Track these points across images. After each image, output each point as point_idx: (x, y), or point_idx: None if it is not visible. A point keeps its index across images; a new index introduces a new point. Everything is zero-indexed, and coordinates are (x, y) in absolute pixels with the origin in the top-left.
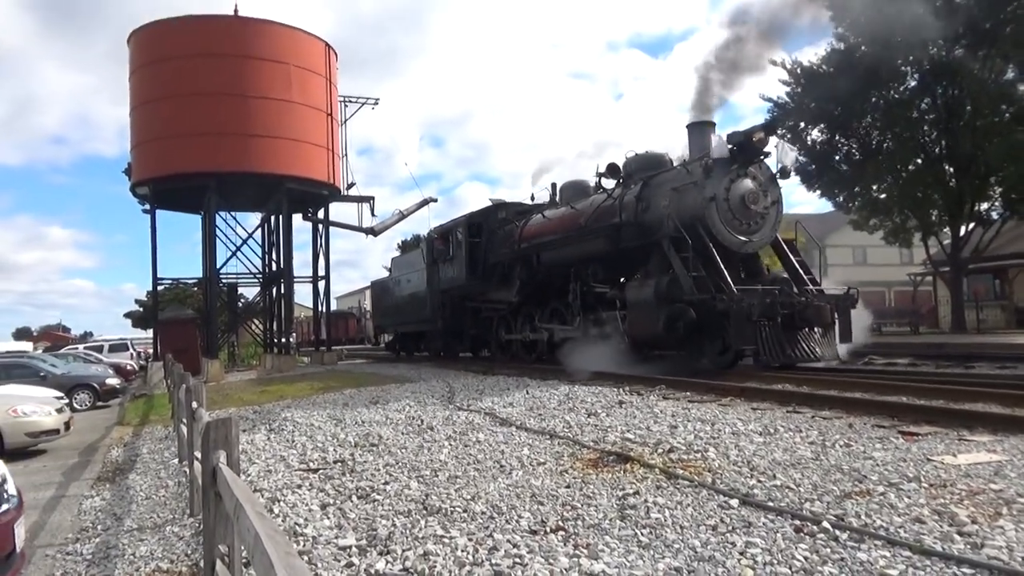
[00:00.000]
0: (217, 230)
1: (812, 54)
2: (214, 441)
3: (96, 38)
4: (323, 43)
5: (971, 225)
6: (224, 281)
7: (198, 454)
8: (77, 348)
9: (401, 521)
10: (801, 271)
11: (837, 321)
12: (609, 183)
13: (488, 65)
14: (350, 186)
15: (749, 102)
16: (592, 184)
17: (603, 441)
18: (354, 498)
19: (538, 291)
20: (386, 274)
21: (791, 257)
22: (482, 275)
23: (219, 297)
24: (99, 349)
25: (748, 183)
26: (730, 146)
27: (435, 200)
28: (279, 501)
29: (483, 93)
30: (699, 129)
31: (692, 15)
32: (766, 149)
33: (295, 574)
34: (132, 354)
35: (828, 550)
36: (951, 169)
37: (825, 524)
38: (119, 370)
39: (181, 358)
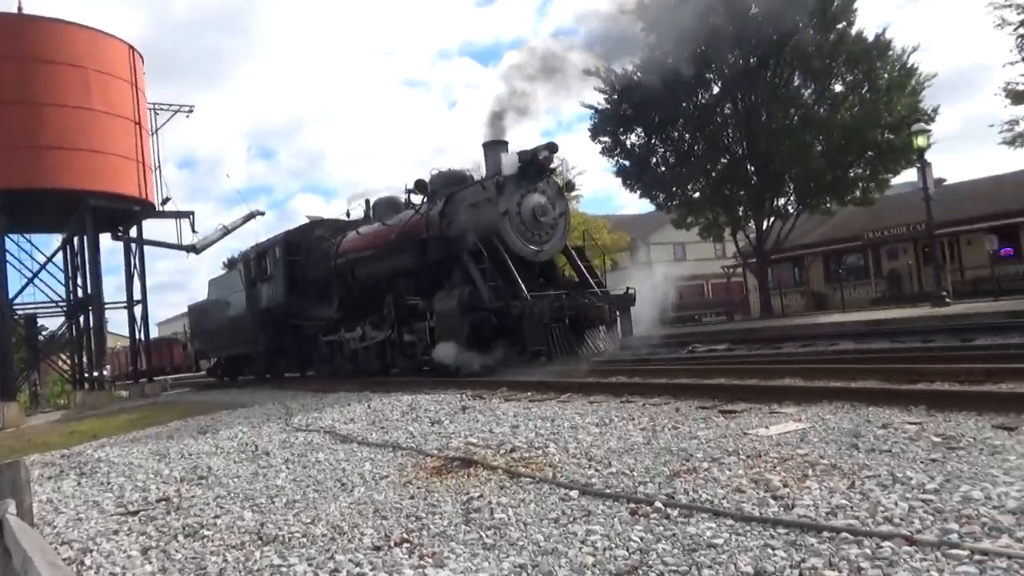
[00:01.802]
0: (8, 254)
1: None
2: (0, 489)
3: None
4: (126, 45)
5: (772, 219)
6: (20, 313)
7: None
8: None
9: (233, 555)
10: (588, 275)
11: (619, 318)
12: (417, 199)
13: (318, 72)
14: (165, 201)
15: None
16: (403, 200)
17: (447, 448)
18: (180, 537)
19: (357, 306)
20: (204, 297)
21: (579, 263)
22: (302, 293)
23: (14, 330)
24: None
25: (537, 197)
26: (519, 163)
27: (262, 213)
28: (91, 551)
29: (314, 101)
30: (493, 148)
31: (520, 25)
32: (552, 165)
33: None
34: None
35: (661, 528)
36: (752, 168)
37: (657, 504)
38: None
39: None
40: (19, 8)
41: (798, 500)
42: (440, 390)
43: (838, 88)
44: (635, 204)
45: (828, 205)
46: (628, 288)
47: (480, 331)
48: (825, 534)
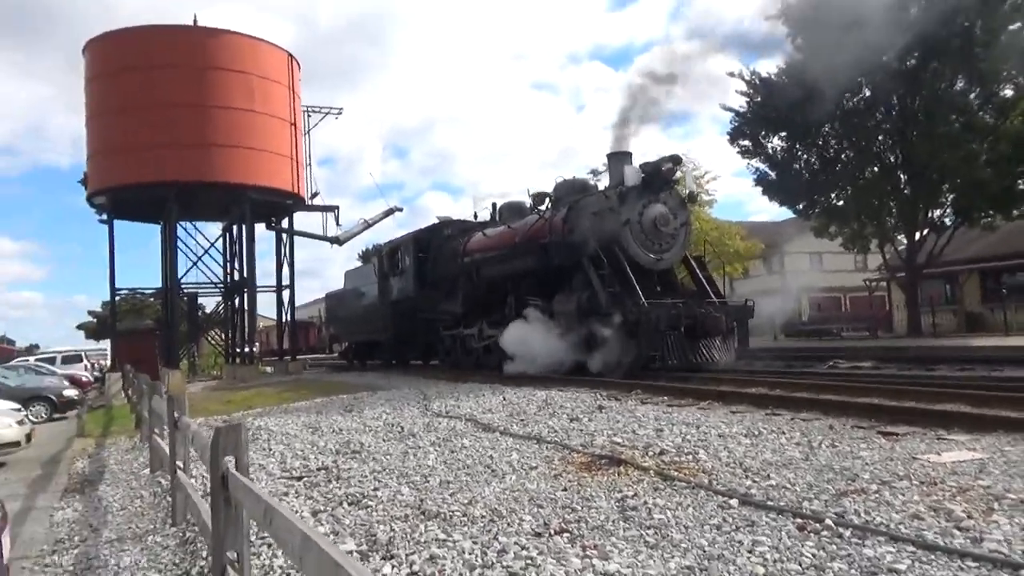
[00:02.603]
0: (177, 240)
1: (772, 65)
2: (223, 447)
3: (48, 47)
4: (285, 53)
5: (925, 231)
6: (185, 291)
7: (180, 463)
8: (27, 360)
9: (399, 526)
10: (707, 285)
11: (736, 329)
12: (541, 205)
13: (450, 75)
14: (314, 195)
15: (709, 111)
16: (528, 205)
17: (591, 445)
18: (345, 504)
19: (481, 303)
20: (338, 285)
21: (698, 273)
22: (430, 288)
23: (179, 307)
24: (51, 361)
25: (659, 208)
26: (643, 175)
27: (400, 209)
28: None
29: (446, 103)
30: (617, 159)
31: (652, 28)
32: (676, 176)
33: (361, 572)
34: (87, 365)
35: (834, 547)
36: (905, 177)
37: (828, 522)
38: (75, 381)
39: (140, 369)
40: (195, 21)
41: (986, 534)
42: (572, 388)
43: (1008, 92)
44: (767, 210)
45: (991, 219)
46: (747, 300)
47: (597, 334)
48: (1023, 573)
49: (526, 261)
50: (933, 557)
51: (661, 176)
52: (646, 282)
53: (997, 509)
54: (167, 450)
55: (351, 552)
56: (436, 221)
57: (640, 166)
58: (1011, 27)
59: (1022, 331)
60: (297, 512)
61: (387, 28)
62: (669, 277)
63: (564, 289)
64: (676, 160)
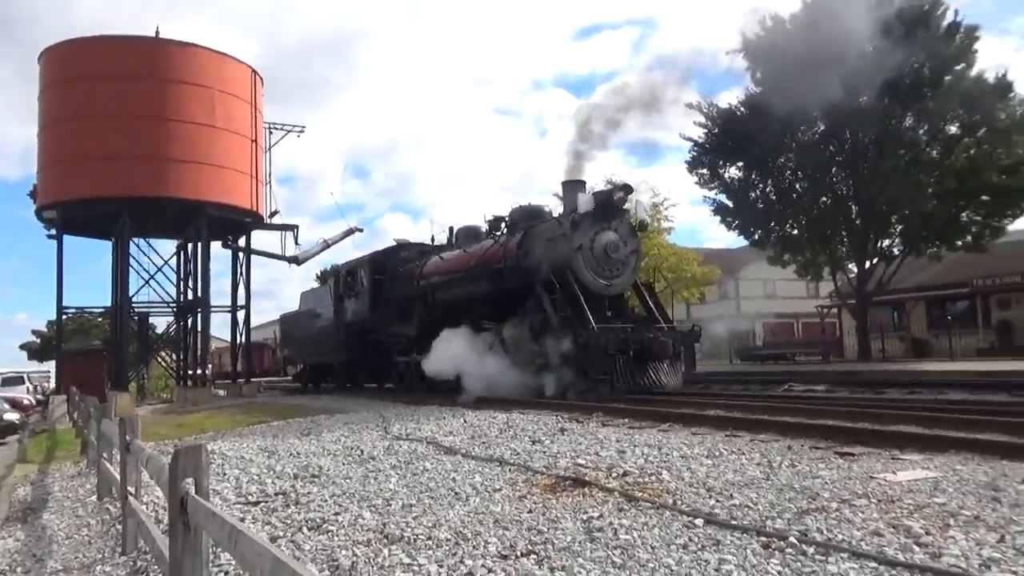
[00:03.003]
0: (130, 257)
1: (732, 97)
2: (183, 469)
3: (1, 56)
4: (249, 68)
5: (875, 260)
6: (136, 310)
7: (132, 488)
8: None
9: (362, 551)
10: (656, 311)
11: (683, 353)
12: (497, 230)
13: (414, 97)
14: (273, 214)
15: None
16: (484, 230)
17: (555, 467)
18: (305, 529)
19: (435, 326)
20: (293, 306)
21: (648, 299)
22: (385, 310)
23: (129, 327)
24: None
25: (610, 235)
26: (595, 203)
27: (361, 230)
28: None
29: (409, 125)
30: (571, 186)
31: (615, 58)
32: (626, 206)
33: None
34: (29, 388)
35: (799, 564)
36: (856, 208)
37: (792, 539)
38: (16, 405)
39: (86, 391)
40: (156, 32)
41: (944, 549)
42: (534, 410)
43: (953, 129)
44: (723, 237)
45: (937, 249)
46: (694, 325)
47: (548, 358)
48: None
49: (481, 285)
50: (895, 572)
51: (612, 204)
52: (597, 307)
53: (953, 525)
54: (117, 475)
55: None
56: (393, 243)
57: (592, 194)
58: (956, 67)
59: (967, 356)
60: None
61: (353, 48)
62: (620, 302)
63: (517, 313)
64: (628, 189)
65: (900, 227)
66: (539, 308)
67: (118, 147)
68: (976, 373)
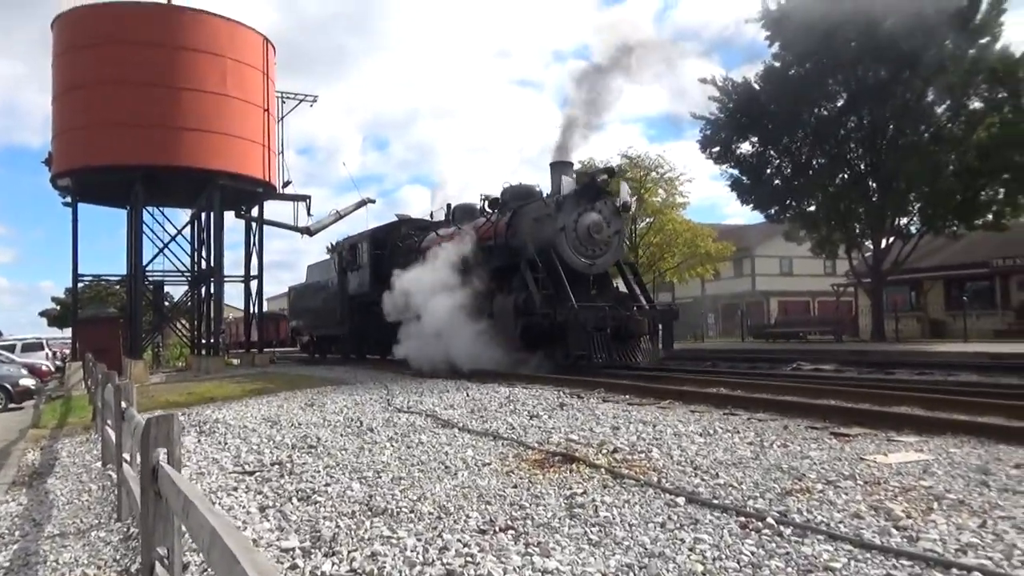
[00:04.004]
0: (144, 226)
1: (749, 72)
2: (154, 438)
3: (23, 23)
4: (261, 36)
5: (891, 239)
6: (150, 279)
7: (127, 456)
8: None
9: (345, 522)
10: (637, 289)
11: (661, 331)
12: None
13: (435, 69)
14: (286, 184)
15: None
16: (479, 208)
17: (547, 442)
18: (294, 500)
19: None
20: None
21: (630, 278)
22: (385, 284)
23: (144, 295)
24: (11, 348)
25: (594, 216)
26: (577, 185)
27: (373, 201)
28: (214, 504)
29: (429, 96)
30: (558, 168)
31: (638, 28)
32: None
33: (260, 568)
34: (48, 354)
35: (774, 545)
36: (874, 185)
37: (769, 520)
38: (33, 371)
39: (102, 358)
40: (169, 0)
41: (923, 533)
42: (537, 385)
43: (976, 105)
44: (741, 214)
45: (955, 228)
46: (672, 304)
47: (530, 333)
48: (954, 571)
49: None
50: (869, 556)
51: (595, 186)
52: (580, 285)
53: (936, 509)
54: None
55: (293, 549)
56: (395, 219)
57: (576, 176)
58: (981, 41)
59: (982, 338)
60: (244, 508)
61: (374, 18)
62: (606, 281)
63: (504, 290)
64: (610, 172)
65: (918, 205)
66: (524, 286)
67: (130, 115)
68: (989, 355)
